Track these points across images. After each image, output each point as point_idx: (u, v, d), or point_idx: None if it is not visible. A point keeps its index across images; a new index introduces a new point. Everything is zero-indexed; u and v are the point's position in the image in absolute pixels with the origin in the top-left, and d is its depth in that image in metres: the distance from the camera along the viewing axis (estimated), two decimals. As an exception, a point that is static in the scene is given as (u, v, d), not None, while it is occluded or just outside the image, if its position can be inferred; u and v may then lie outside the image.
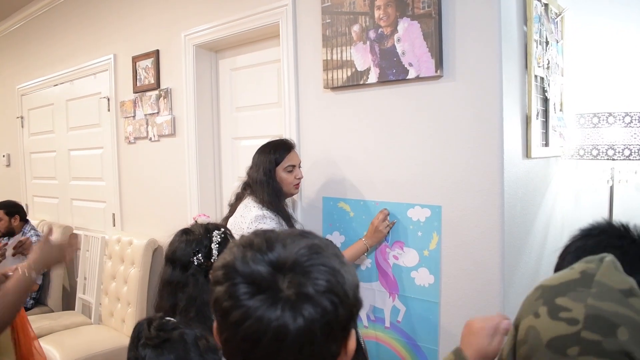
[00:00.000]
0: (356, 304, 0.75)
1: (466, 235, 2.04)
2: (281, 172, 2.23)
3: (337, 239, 2.43)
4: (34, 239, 3.59)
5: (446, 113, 2.06)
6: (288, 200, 2.44)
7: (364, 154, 2.32)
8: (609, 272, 0.78)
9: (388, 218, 2.20)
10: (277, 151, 2.25)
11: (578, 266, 0.82)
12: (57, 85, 4.52)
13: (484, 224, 2.00)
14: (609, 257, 0.81)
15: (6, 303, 1.58)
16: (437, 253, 2.11)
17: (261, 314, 0.68)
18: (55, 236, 1.83)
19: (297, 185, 2.28)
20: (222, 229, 1.75)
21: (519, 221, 2.12)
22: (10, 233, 3.72)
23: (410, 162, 2.17)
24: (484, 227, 2.00)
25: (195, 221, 1.80)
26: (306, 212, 2.58)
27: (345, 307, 0.72)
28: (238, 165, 3.15)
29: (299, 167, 2.30)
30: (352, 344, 0.75)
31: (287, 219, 2.23)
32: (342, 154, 2.41)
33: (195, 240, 1.68)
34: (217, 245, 1.68)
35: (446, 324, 2.11)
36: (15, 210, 3.79)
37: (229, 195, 3.04)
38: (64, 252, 1.82)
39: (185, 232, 1.72)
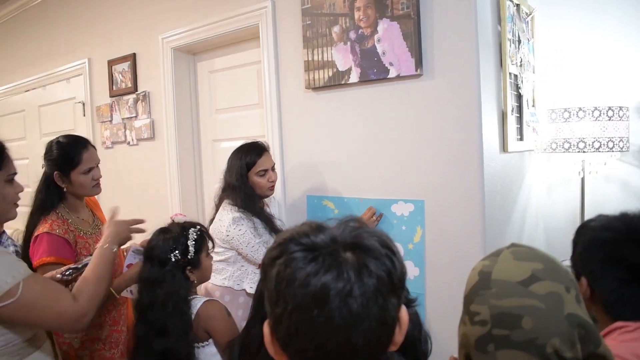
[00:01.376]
0: (403, 267, 0.77)
1: (449, 227, 2.11)
2: (254, 177, 2.25)
3: (322, 236, 2.48)
4: (11, 249, 3.52)
5: (426, 110, 2.13)
6: (271, 198, 2.48)
7: (347, 152, 2.38)
8: (506, 265, 0.88)
9: (375, 215, 2.26)
10: (248, 155, 2.25)
11: (477, 265, 0.93)
12: (28, 90, 4.45)
13: (465, 216, 2.07)
14: (507, 249, 0.91)
15: (96, 277, 1.51)
16: (421, 246, 2.17)
17: (326, 271, 0.69)
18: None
19: (271, 188, 2.30)
20: (198, 227, 1.79)
21: (498, 213, 2.20)
22: (-14, 243, 3.63)
23: (393, 158, 2.23)
24: (465, 220, 2.07)
25: (172, 220, 1.83)
26: (290, 210, 2.62)
27: (399, 263, 0.75)
28: (219, 167, 3.15)
29: (273, 169, 2.32)
30: (404, 315, 0.77)
31: (266, 220, 2.26)
32: (325, 152, 2.46)
33: (172, 237, 1.72)
34: (194, 242, 1.73)
35: (432, 314, 2.18)
36: None
37: (210, 197, 3.06)
38: (130, 229, 1.78)
39: (162, 230, 1.77)
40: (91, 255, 1.66)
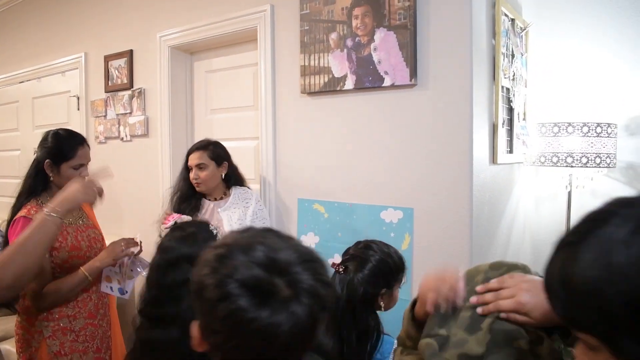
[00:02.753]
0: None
1: (436, 236, 2.14)
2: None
3: (311, 239, 2.50)
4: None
5: (419, 120, 2.16)
6: (251, 197, 2.49)
7: (339, 158, 2.41)
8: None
9: None
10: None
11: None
12: (22, 82, 4.43)
13: (453, 225, 2.11)
14: None
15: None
16: (409, 253, 2.20)
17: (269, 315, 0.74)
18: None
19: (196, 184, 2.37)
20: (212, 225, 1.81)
21: (486, 223, 2.24)
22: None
23: (384, 165, 2.27)
24: (453, 229, 2.11)
25: (176, 221, 1.84)
26: (281, 212, 2.64)
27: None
28: (212, 167, 3.19)
29: (198, 167, 2.36)
30: None
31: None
32: (317, 157, 2.48)
33: (195, 236, 1.73)
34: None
35: (416, 321, 2.21)
36: None
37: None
38: (93, 191, 1.80)
39: (181, 229, 1.77)
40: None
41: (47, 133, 2.06)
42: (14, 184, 4.55)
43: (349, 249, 1.79)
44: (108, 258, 1.98)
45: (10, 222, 1.96)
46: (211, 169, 2.36)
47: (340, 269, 1.70)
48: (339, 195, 2.42)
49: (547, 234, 2.91)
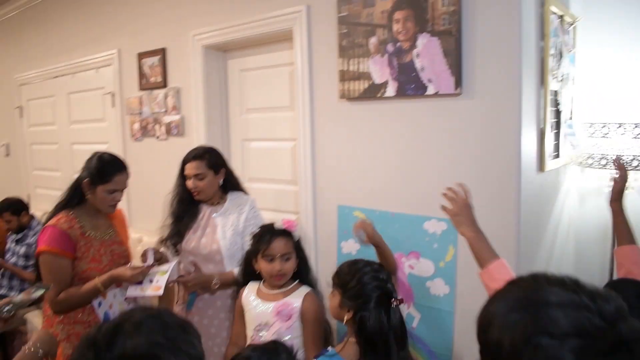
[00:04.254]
0: None
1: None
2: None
3: (352, 246, 2.48)
4: (32, 239, 3.63)
5: (464, 129, 2.09)
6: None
7: (381, 165, 2.36)
8: None
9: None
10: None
11: None
12: (57, 77, 4.47)
13: (499, 238, 2.03)
14: None
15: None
16: (453, 265, 2.16)
17: None
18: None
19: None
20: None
21: (532, 234, 2.17)
22: (21, 229, 3.72)
23: (428, 175, 2.21)
24: (499, 242, 2.02)
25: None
26: (322, 219, 2.62)
27: None
28: (248, 167, 3.17)
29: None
30: None
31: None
32: (358, 163, 2.44)
33: None
34: None
35: (461, 332, 2.18)
36: (20, 207, 3.78)
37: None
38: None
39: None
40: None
41: (94, 154, 2.18)
42: (52, 176, 4.68)
43: (361, 274, 1.74)
44: (125, 278, 2.07)
45: (42, 227, 2.14)
46: (209, 177, 2.32)
47: (397, 302, 1.71)
48: (380, 204, 2.37)
49: (592, 231, 2.82)
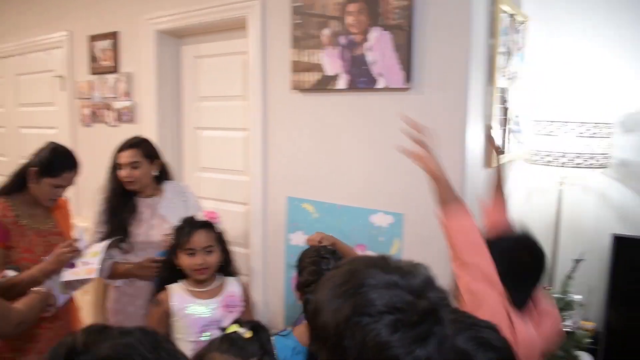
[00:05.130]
0: None
1: (426, 243, 2.12)
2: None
3: (300, 238, 2.47)
4: None
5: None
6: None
7: (330, 157, 2.36)
8: None
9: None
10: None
11: None
12: (5, 57, 4.29)
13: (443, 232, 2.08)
14: None
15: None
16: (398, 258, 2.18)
17: None
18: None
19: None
20: None
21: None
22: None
23: (375, 168, 2.22)
24: (442, 237, 2.08)
25: None
26: (271, 210, 2.60)
27: None
28: (200, 156, 3.13)
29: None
30: None
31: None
32: (308, 155, 2.43)
33: None
34: None
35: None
36: None
37: (190, 184, 3.04)
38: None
39: None
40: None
41: (48, 144, 2.12)
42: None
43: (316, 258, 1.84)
44: (61, 260, 1.97)
45: None
46: (144, 166, 2.29)
47: None
48: (328, 196, 2.38)
49: (537, 227, 2.87)
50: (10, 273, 1.84)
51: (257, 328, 1.43)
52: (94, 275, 1.95)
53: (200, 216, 2.07)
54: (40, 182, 2.05)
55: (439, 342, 0.75)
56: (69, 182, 2.12)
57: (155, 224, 2.30)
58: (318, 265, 1.81)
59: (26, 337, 2.04)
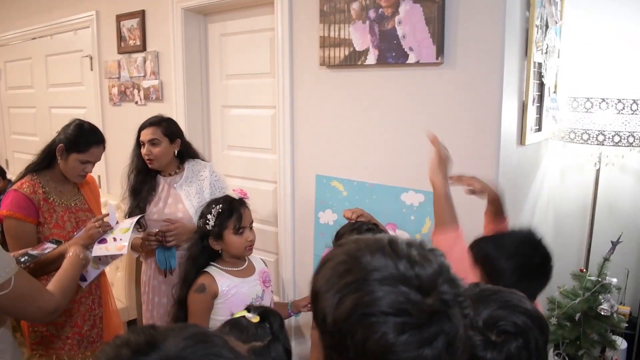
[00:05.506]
0: None
1: (459, 221, 2.07)
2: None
3: (329, 216, 2.45)
4: None
5: (445, 100, 2.05)
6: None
7: (360, 135, 2.31)
8: None
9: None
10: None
11: None
12: (35, 38, 4.33)
13: (476, 211, 2.02)
14: None
15: (68, 278, 1.67)
16: (429, 237, 2.14)
17: None
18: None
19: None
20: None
21: (511, 207, 2.14)
22: (-2, 194, 3.63)
23: (407, 146, 2.17)
24: (476, 214, 2.02)
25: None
26: (299, 188, 2.58)
27: None
28: (227, 134, 3.12)
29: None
30: None
31: None
32: (336, 132, 2.39)
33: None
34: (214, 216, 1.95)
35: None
36: None
37: (217, 163, 3.03)
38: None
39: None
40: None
41: (73, 121, 2.15)
42: (30, 141, 4.58)
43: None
44: (92, 235, 1.97)
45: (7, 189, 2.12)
46: (164, 145, 2.27)
47: None
48: (358, 174, 2.34)
49: (572, 207, 2.82)
50: (51, 245, 1.87)
51: (267, 313, 1.40)
52: (124, 251, 1.96)
53: (232, 194, 2.06)
54: (68, 158, 2.06)
55: (449, 341, 0.69)
56: (96, 158, 2.14)
57: (170, 203, 2.31)
58: None
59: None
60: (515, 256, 1.40)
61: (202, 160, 2.45)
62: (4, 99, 4.94)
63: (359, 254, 0.74)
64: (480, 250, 1.47)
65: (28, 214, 2.00)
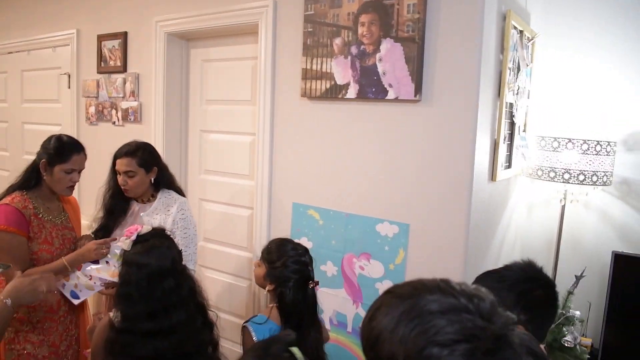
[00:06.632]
0: None
1: (431, 253, 2.14)
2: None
3: (305, 244, 2.47)
4: None
5: (421, 135, 2.13)
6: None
7: (338, 166, 2.37)
8: None
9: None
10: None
11: None
12: (11, 52, 4.29)
13: (449, 243, 2.10)
14: None
15: None
16: (402, 268, 2.20)
17: None
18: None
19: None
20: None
21: (481, 241, 2.23)
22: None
23: (383, 178, 2.24)
24: (449, 247, 2.10)
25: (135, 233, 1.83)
26: (276, 215, 2.62)
27: None
28: (205, 158, 3.14)
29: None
30: None
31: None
32: (315, 162, 2.45)
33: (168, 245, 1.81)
34: None
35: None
36: None
37: (194, 187, 3.04)
38: (39, 290, 1.72)
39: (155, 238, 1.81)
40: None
41: (51, 136, 2.18)
42: (1, 156, 4.48)
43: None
44: (90, 255, 2.07)
45: None
46: (140, 176, 2.25)
47: (313, 285, 1.96)
48: (335, 204, 2.39)
49: (538, 241, 2.92)
50: None
51: None
52: (116, 279, 1.96)
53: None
54: (53, 171, 2.10)
55: None
56: (80, 165, 2.17)
57: None
58: (302, 265, 1.94)
59: (38, 330, 2.10)
60: (516, 287, 1.40)
61: (177, 190, 2.42)
62: (-25, 112, 4.84)
63: (416, 293, 0.75)
64: (483, 285, 1.50)
65: (20, 228, 2.02)
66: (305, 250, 2.01)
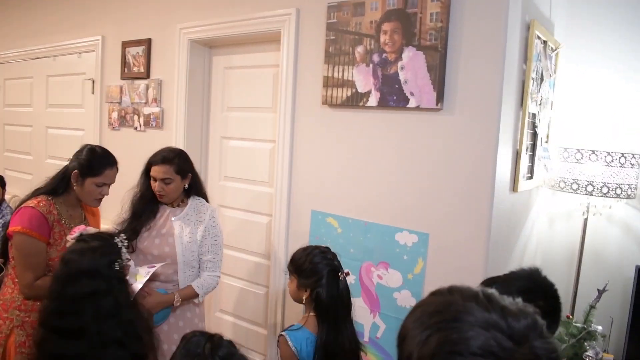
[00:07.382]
0: None
1: (451, 263, 2.11)
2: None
3: (323, 252, 2.48)
4: (8, 217, 3.51)
5: (442, 144, 2.12)
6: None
7: (357, 174, 2.37)
8: None
9: None
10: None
11: None
12: (37, 58, 4.38)
13: (469, 254, 2.08)
14: None
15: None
16: (421, 277, 2.18)
17: None
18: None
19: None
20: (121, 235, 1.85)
21: (501, 252, 2.20)
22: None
23: (403, 187, 2.23)
24: (468, 258, 2.08)
25: (81, 233, 1.79)
26: (294, 222, 2.62)
27: None
28: (225, 165, 3.15)
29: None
30: None
31: None
32: (334, 170, 2.45)
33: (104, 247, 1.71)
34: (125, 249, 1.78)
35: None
36: (3, 182, 3.66)
37: (213, 193, 3.06)
38: None
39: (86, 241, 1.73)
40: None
41: (85, 146, 2.21)
42: (23, 159, 4.57)
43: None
44: None
45: (18, 207, 2.11)
46: (176, 182, 2.28)
47: (344, 275, 1.95)
48: (354, 212, 2.38)
49: (559, 254, 2.87)
50: None
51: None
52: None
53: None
54: (84, 183, 2.13)
55: None
56: (111, 180, 2.20)
57: (163, 233, 2.30)
58: (329, 259, 1.94)
59: None
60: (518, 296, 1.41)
61: (204, 196, 2.44)
62: (1, 116, 4.95)
63: (452, 299, 0.74)
64: None
65: (42, 233, 2.03)
66: (327, 248, 2.01)
